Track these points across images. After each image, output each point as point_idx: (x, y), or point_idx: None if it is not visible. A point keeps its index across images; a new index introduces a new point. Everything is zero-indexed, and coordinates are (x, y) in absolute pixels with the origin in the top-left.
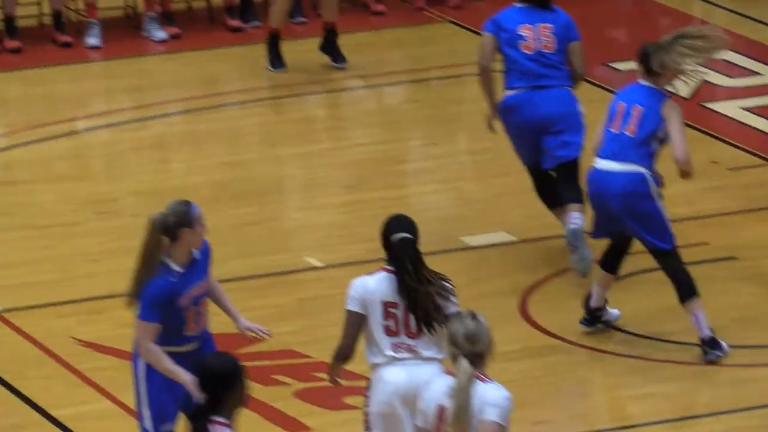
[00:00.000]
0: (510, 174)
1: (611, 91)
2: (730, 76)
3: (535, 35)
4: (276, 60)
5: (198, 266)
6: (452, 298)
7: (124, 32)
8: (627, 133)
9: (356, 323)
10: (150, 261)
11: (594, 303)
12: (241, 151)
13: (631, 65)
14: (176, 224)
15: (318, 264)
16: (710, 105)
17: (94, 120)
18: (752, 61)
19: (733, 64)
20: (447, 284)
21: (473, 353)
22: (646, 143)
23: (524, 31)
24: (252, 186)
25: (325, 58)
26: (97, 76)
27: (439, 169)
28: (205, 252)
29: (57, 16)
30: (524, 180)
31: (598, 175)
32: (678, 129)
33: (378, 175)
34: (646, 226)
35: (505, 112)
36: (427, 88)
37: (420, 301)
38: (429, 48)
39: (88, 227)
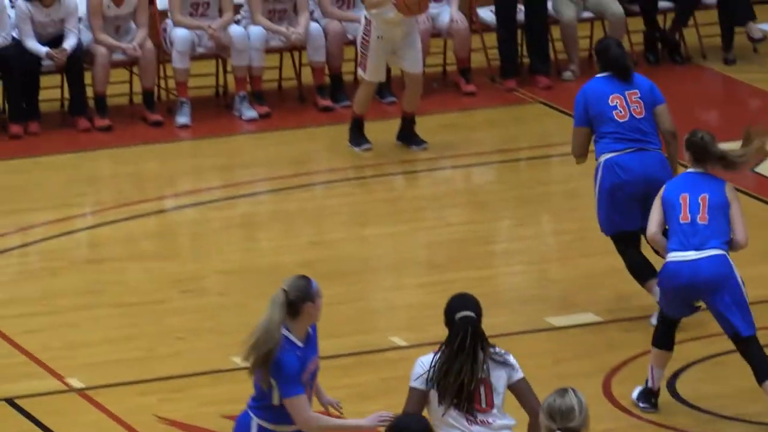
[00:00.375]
0: (596, 255)
1: None
2: None
3: (626, 103)
4: (359, 138)
5: (312, 342)
6: (511, 362)
7: (214, 111)
8: (700, 221)
9: (419, 400)
10: (274, 337)
11: (656, 385)
12: (328, 230)
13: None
14: (300, 299)
15: (403, 343)
16: None
17: (182, 198)
18: None
19: None
20: (508, 357)
21: (567, 429)
22: (722, 228)
23: (615, 100)
24: (339, 266)
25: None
26: (186, 155)
27: (526, 250)
28: (314, 327)
29: (148, 94)
30: (609, 261)
31: (681, 266)
32: (741, 213)
33: (465, 256)
34: (731, 310)
35: (603, 175)
36: (515, 169)
37: (476, 375)
38: (519, 128)
39: (174, 306)
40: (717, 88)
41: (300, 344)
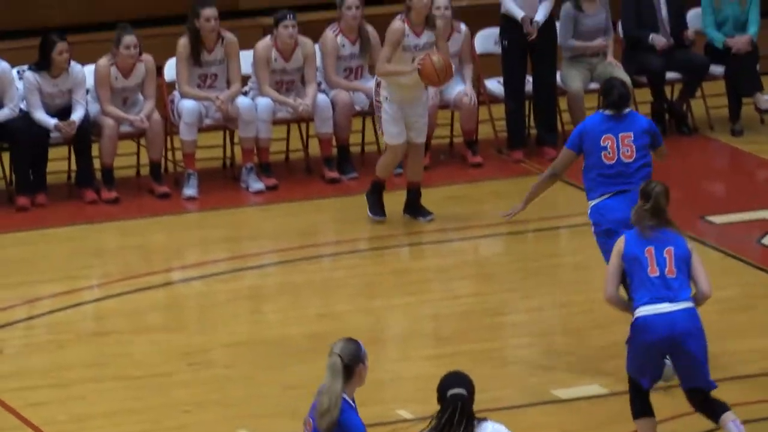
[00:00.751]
0: (602, 327)
1: (707, 244)
2: None
3: (617, 145)
4: (377, 208)
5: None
6: None
7: (221, 183)
8: (669, 275)
9: None
10: (339, 403)
11: None
12: (335, 302)
13: (728, 218)
14: (353, 362)
15: (409, 416)
16: None
17: (189, 271)
18: None
19: None
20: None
21: None
22: (688, 281)
23: (607, 141)
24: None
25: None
26: (193, 227)
27: (533, 322)
28: None
29: (155, 166)
30: (616, 334)
31: (656, 319)
32: (702, 264)
33: (472, 328)
34: (702, 363)
35: (594, 221)
36: (523, 241)
37: None
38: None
39: (181, 378)
40: (724, 159)
41: (354, 405)
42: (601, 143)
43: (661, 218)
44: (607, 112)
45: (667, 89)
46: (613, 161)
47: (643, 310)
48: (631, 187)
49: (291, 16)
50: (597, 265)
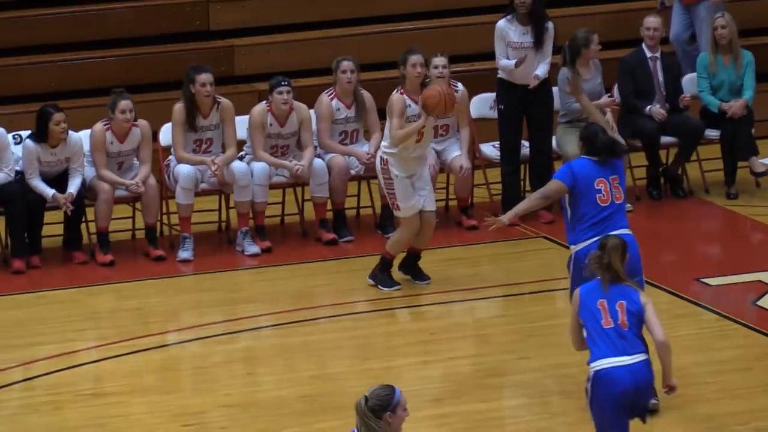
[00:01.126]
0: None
1: (702, 306)
2: None
3: (609, 188)
4: (390, 280)
5: None
6: None
7: (216, 246)
8: (622, 327)
9: None
10: None
11: None
12: (330, 364)
13: (724, 280)
14: (381, 407)
15: None
16: None
17: (185, 333)
18: None
19: None
20: None
21: None
22: (641, 333)
23: (600, 185)
24: (342, 400)
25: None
26: (188, 290)
27: (530, 383)
28: None
29: (150, 230)
30: None
31: (620, 371)
32: (656, 313)
33: (469, 389)
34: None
35: (575, 267)
36: (519, 303)
37: None
38: (521, 263)
39: None
40: (720, 222)
41: None
42: (595, 186)
43: (612, 273)
44: (594, 158)
45: (663, 153)
46: (608, 203)
47: (603, 363)
48: (620, 227)
49: (285, 82)
50: None
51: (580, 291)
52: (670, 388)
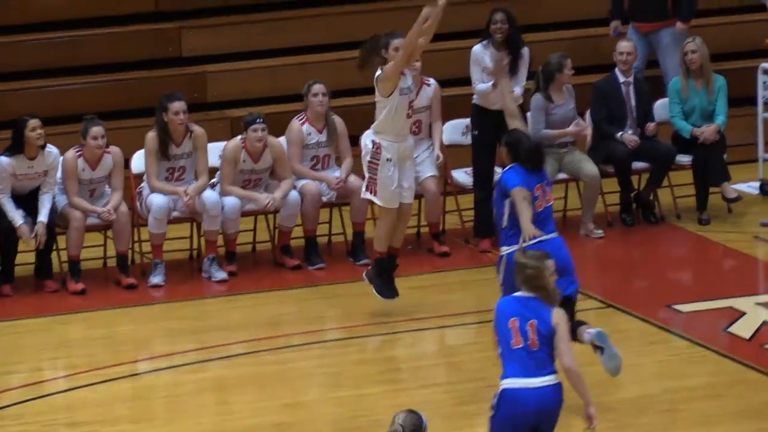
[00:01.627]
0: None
1: (673, 333)
2: None
3: (543, 193)
4: (386, 288)
5: None
6: None
7: (187, 274)
8: (532, 347)
9: None
10: None
11: None
12: (303, 392)
13: (695, 307)
14: None
15: None
16: None
17: (157, 362)
18: None
19: None
20: None
21: None
22: (552, 354)
23: (537, 191)
24: (314, 428)
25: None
26: (159, 318)
27: None
28: None
29: (122, 258)
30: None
31: (526, 393)
32: (567, 336)
33: (441, 417)
34: None
35: (507, 269)
36: (490, 329)
37: None
38: (493, 289)
39: None
40: (691, 248)
41: None
42: (535, 192)
43: (532, 286)
44: (527, 166)
45: (635, 178)
46: (542, 208)
47: (511, 383)
48: (550, 231)
49: (260, 119)
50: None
51: (497, 306)
52: (588, 419)
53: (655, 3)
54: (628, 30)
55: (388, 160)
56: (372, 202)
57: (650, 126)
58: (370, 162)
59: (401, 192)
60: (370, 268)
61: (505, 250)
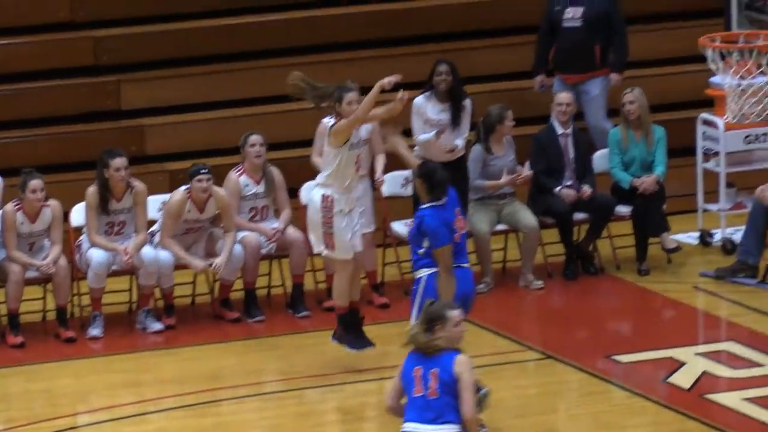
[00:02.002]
0: None
1: (613, 383)
2: (733, 367)
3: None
4: (357, 340)
5: None
6: None
7: (126, 327)
8: (431, 396)
9: None
10: None
11: None
12: None
13: (635, 357)
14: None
15: None
16: (712, 396)
17: (96, 415)
18: (754, 351)
19: (736, 355)
20: None
21: None
22: (454, 403)
23: (456, 224)
24: None
25: (329, 350)
26: (99, 371)
27: None
28: None
29: (61, 311)
30: None
31: None
32: (469, 386)
33: None
34: None
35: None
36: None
37: None
38: None
39: None
40: (631, 299)
41: None
42: (454, 226)
43: (429, 345)
44: (437, 203)
45: (574, 229)
46: (459, 239)
47: (407, 427)
48: (464, 263)
49: (205, 170)
50: (516, 405)
51: (408, 356)
52: None
53: (582, 54)
54: (555, 82)
55: (340, 211)
56: (319, 254)
57: (585, 191)
58: (324, 218)
59: (353, 241)
60: (334, 330)
61: (423, 272)
